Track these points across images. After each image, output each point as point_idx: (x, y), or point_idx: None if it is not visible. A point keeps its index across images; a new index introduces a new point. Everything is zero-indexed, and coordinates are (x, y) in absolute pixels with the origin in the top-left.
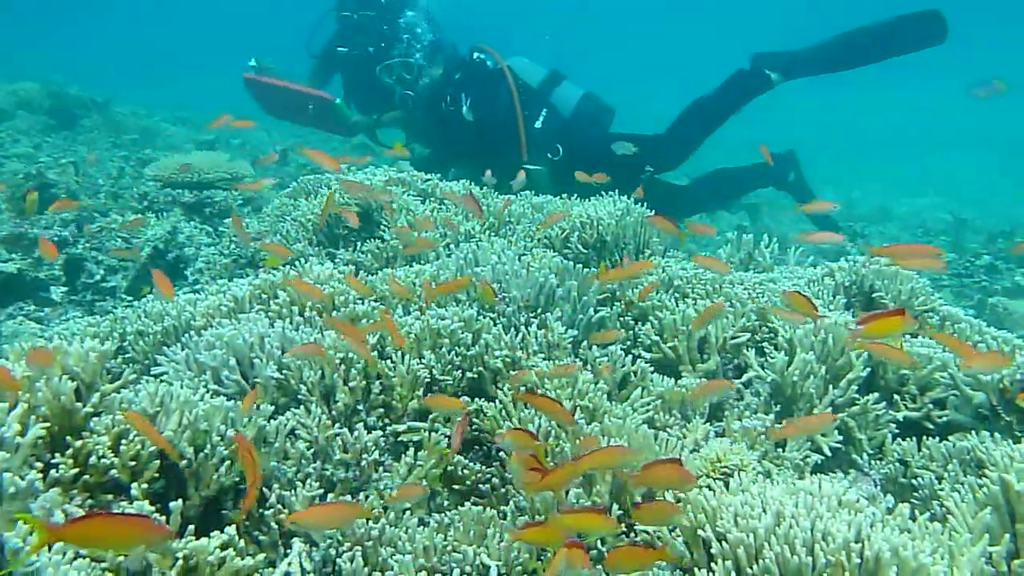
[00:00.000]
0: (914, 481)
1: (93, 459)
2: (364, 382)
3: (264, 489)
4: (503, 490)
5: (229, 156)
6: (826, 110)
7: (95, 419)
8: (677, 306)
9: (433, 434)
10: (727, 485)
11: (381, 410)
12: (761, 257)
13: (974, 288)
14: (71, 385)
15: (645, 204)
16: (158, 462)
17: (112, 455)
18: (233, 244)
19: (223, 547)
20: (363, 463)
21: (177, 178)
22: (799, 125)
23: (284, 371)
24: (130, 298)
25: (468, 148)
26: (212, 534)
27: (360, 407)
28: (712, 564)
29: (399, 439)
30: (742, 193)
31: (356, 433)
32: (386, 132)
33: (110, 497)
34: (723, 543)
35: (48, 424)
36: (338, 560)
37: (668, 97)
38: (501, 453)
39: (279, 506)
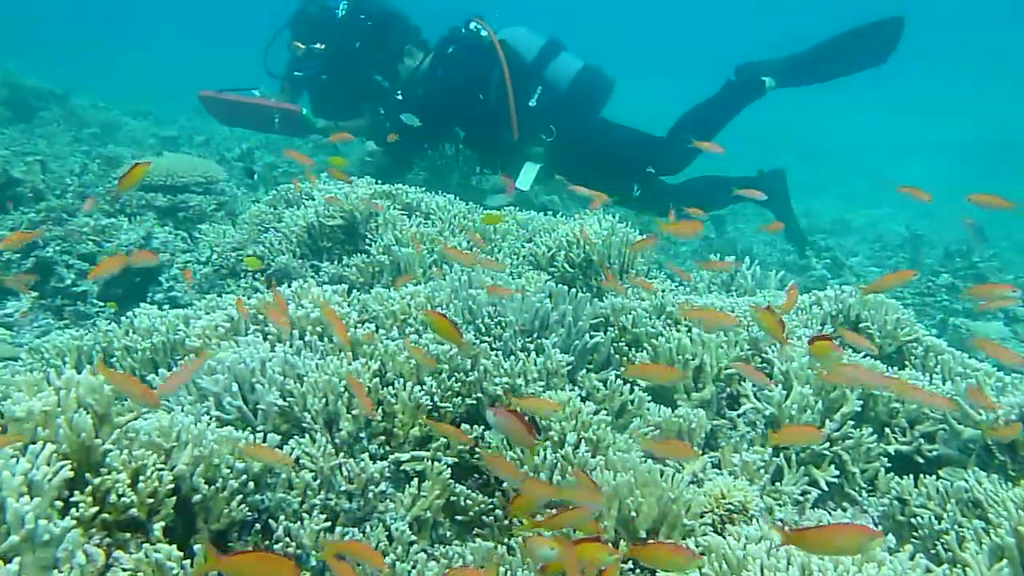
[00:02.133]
0: (913, 520)
1: (113, 497)
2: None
3: (271, 521)
4: (506, 521)
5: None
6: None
7: (112, 454)
8: (672, 333)
9: (436, 463)
10: (731, 522)
11: (382, 437)
12: (743, 279)
13: (936, 308)
14: (90, 420)
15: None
16: (174, 498)
17: (131, 492)
18: (213, 252)
19: None
20: (369, 494)
21: (150, 181)
22: (769, 133)
23: (288, 398)
24: (101, 303)
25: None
26: None
27: (362, 435)
28: None
29: (401, 468)
30: (727, 203)
31: (362, 463)
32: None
33: (128, 535)
34: None
35: (69, 462)
36: None
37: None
38: (504, 484)
39: (287, 539)
